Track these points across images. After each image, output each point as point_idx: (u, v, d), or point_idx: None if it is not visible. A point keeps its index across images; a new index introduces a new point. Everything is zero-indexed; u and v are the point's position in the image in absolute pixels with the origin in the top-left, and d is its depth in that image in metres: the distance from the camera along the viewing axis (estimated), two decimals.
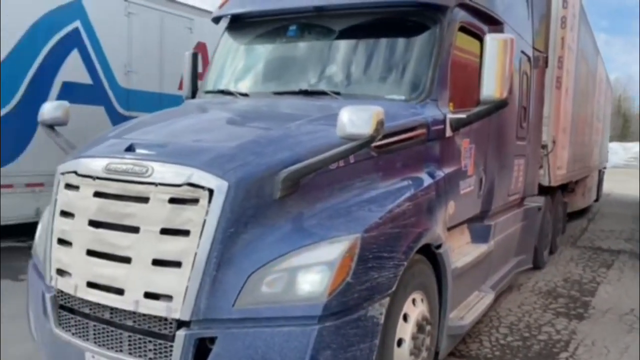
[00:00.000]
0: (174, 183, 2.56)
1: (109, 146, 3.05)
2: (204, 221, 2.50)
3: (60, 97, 7.51)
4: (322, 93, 3.73)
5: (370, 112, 2.56)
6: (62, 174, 2.98)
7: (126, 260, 2.63)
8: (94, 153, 2.98)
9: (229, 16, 4.50)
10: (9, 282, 6.09)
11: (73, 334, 2.86)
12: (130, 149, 2.85)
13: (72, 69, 7.85)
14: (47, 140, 4.51)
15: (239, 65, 4.48)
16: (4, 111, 7.23)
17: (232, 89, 4.23)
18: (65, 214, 2.91)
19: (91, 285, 2.74)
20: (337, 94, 3.69)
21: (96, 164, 2.81)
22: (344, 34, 3.97)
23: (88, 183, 2.80)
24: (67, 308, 2.92)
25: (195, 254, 2.49)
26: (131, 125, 3.47)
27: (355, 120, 2.56)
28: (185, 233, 2.53)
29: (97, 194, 2.76)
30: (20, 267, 6.66)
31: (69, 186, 2.93)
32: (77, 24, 7.81)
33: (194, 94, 4.64)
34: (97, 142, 3.19)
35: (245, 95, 4.07)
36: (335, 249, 2.52)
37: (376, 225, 2.73)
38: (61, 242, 2.91)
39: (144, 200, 2.61)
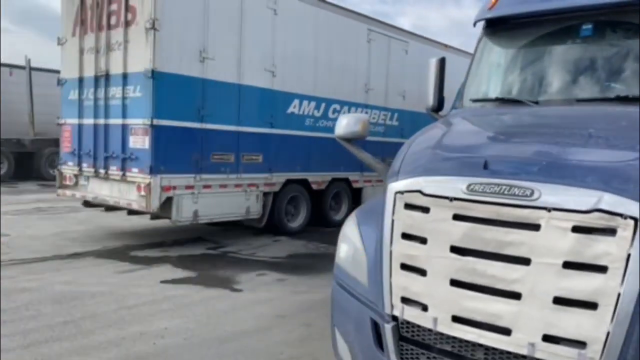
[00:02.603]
0: (576, 209, 2.18)
1: (456, 163, 2.74)
2: (628, 256, 2.09)
3: None
4: None
5: None
6: (401, 192, 2.70)
7: (514, 295, 2.28)
8: (439, 170, 2.68)
9: (490, 19, 4.02)
10: (225, 292, 6.15)
11: None
12: (485, 166, 2.51)
13: None
14: None
15: (515, 70, 3.94)
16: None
17: (511, 96, 3.76)
18: (410, 237, 2.63)
19: (458, 320, 2.43)
20: None
21: (452, 184, 2.50)
22: None
23: (443, 204, 2.50)
24: (412, 341, 2.64)
25: (619, 294, 2.09)
26: (448, 139, 3.09)
27: None
28: (601, 269, 2.13)
29: (458, 217, 2.45)
30: (230, 276, 6.77)
31: (411, 207, 2.65)
32: None
33: (440, 103, 4.22)
34: (423, 157, 2.88)
35: (534, 103, 3.57)
36: None
37: None
38: (407, 267, 2.63)
39: (532, 227, 2.25)
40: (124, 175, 7.92)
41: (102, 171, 8.29)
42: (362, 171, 11.03)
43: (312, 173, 10.03)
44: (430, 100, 4.18)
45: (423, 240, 2.57)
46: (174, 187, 7.75)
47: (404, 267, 2.64)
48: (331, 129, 9.85)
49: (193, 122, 7.96)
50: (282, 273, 7.06)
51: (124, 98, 7.87)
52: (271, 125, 9.20)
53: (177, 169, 7.80)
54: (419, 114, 11.81)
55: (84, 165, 8.66)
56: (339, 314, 3.15)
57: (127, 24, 7.76)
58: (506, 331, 2.29)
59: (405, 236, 2.65)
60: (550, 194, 2.25)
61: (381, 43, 11.37)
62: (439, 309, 2.49)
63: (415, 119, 11.93)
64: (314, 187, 10.15)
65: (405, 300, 2.63)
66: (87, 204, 9.32)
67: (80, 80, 8.63)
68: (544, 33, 3.89)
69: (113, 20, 8.04)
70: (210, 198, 8.28)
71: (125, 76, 7.82)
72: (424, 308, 2.54)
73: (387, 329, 2.67)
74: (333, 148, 9.56)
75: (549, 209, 2.22)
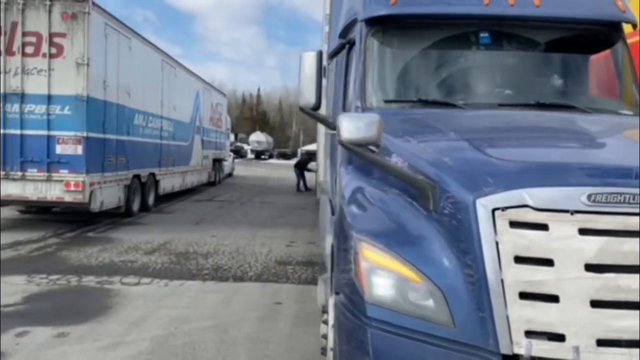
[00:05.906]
0: None
1: (553, 171, 2.43)
2: None
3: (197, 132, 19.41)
4: (565, 107, 3.54)
5: None
6: (501, 209, 2.31)
7: None
8: (539, 180, 2.35)
9: (393, 16, 3.78)
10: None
11: None
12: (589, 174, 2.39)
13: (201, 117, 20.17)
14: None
15: (429, 72, 3.98)
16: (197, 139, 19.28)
17: (435, 99, 3.73)
18: (527, 260, 2.29)
19: (604, 343, 2.24)
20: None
21: (569, 195, 2.27)
22: (552, 46, 3.82)
23: (563, 219, 2.25)
24: None
25: None
26: (494, 144, 2.84)
27: None
28: None
29: (585, 232, 2.24)
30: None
31: (518, 225, 2.30)
32: (199, 98, 19.59)
33: (319, 102, 3.81)
34: (501, 167, 2.49)
35: (463, 106, 3.56)
36: None
37: None
38: (529, 296, 2.29)
39: None
40: (49, 175, 9.92)
41: (15, 173, 9.88)
42: (159, 167, 14.86)
43: (142, 170, 13.33)
44: (312, 98, 3.76)
45: (547, 262, 2.29)
46: (93, 184, 10.36)
47: (525, 295, 2.30)
48: (149, 135, 16.36)
49: (101, 133, 10.74)
50: (51, 326, 5.03)
51: (48, 114, 9.87)
52: (128, 134, 12.33)
53: (94, 170, 10.43)
54: (181, 122, 17.02)
55: None
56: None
57: (52, 55, 9.81)
58: None
59: (520, 259, 2.31)
60: None
61: (168, 70, 15.38)
62: (581, 335, 2.25)
63: (179, 126, 16.78)
64: (143, 180, 13.45)
65: (530, 334, 2.30)
66: None
67: None
68: (447, 36, 3.87)
69: (29, 50, 9.82)
70: (107, 190, 11.12)
71: (49, 97, 9.85)
72: (559, 338, 2.28)
73: None
74: (149, 149, 14.12)
75: None
